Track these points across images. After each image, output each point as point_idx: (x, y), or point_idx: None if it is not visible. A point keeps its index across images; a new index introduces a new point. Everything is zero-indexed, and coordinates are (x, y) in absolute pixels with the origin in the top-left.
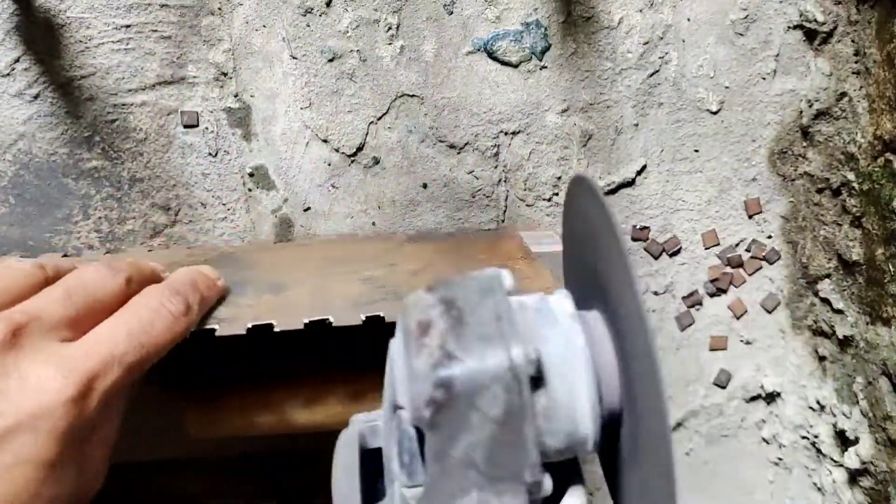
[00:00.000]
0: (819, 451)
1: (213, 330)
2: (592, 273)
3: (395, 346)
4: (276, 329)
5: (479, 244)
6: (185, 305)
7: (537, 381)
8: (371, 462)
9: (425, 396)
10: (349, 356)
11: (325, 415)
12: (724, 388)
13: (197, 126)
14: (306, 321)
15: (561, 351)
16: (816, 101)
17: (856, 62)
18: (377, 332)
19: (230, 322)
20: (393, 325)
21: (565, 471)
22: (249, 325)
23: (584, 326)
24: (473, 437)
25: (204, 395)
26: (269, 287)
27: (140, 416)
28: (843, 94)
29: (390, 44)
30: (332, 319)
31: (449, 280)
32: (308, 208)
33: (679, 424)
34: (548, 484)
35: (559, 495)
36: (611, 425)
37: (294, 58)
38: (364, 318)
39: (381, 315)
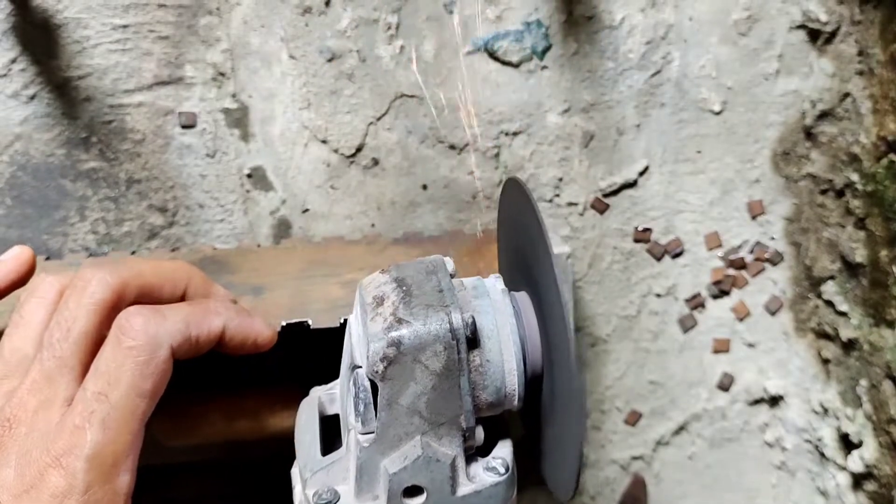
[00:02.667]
0: (823, 454)
1: None
2: (522, 261)
3: (353, 319)
4: None
5: (464, 247)
6: (144, 325)
7: (472, 341)
8: (329, 428)
9: (379, 353)
10: (328, 359)
11: None
12: (726, 391)
13: (195, 127)
14: (284, 323)
15: (492, 319)
16: (820, 101)
17: (859, 62)
18: None
19: None
20: None
21: (495, 427)
22: None
23: (513, 301)
24: (418, 388)
25: (176, 402)
26: (249, 290)
27: None
28: (847, 95)
29: (390, 43)
30: (310, 322)
31: (401, 264)
32: (307, 210)
33: (682, 428)
34: (480, 434)
35: (490, 447)
36: (534, 384)
37: (293, 58)
38: (342, 321)
39: None
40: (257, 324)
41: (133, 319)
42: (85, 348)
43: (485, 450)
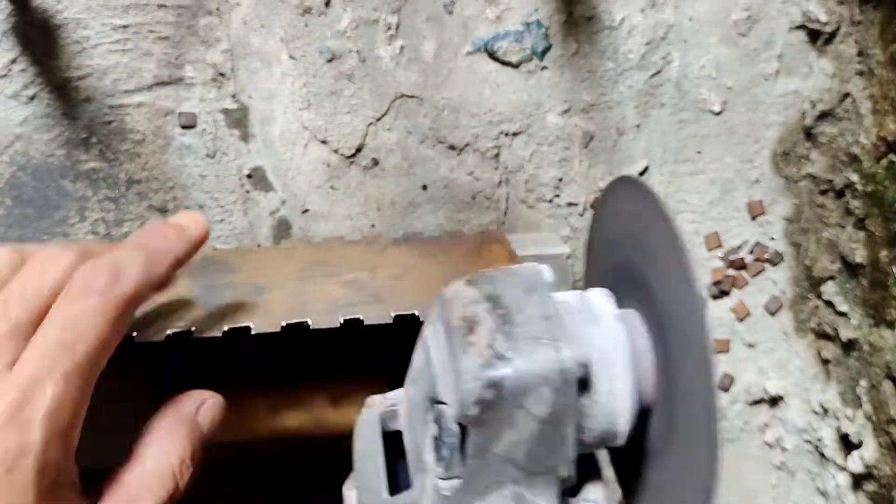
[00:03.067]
0: (822, 455)
1: (191, 332)
2: (628, 270)
3: (431, 334)
4: (254, 332)
5: (464, 248)
6: (109, 277)
7: (584, 383)
8: (390, 445)
9: (474, 396)
10: (329, 360)
11: (300, 420)
12: (726, 391)
13: (194, 127)
14: (284, 324)
15: (603, 352)
16: (819, 101)
17: (859, 63)
18: (356, 335)
19: (208, 325)
20: (372, 328)
21: (585, 464)
22: (226, 328)
23: (626, 326)
24: (517, 436)
25: None
26: (249, 290)
27: (119, 419)
28: (847, 95)
29: (390, 44)
30: (309, 322)
31: (490, 275)
32: (307, 210)
33: None
34: (574, 476)
35: (578, 486)
36: (639, 420)
37: (292, 58)
38: (342, 321)
39: (360, 318)
40: (185, 229)
41: (92, 273)
42: (40, 312)
43: (573, 489)
